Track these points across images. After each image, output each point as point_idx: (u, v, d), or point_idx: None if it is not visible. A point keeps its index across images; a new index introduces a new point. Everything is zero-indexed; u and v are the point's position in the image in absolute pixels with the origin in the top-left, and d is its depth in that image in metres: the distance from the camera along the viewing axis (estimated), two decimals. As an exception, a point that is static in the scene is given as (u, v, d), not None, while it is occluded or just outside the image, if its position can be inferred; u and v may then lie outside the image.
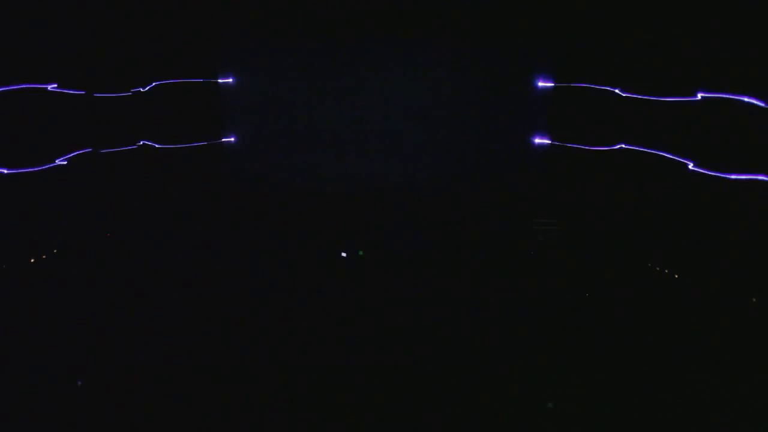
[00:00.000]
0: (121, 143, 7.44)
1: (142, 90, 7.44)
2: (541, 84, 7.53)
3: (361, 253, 6.59)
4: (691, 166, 6.70)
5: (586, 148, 7.38)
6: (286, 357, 4.08)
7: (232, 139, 7.85)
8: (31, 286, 5.51)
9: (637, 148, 7.20)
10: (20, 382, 3.71)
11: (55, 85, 6.69)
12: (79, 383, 4.27)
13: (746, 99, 5.97)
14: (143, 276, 5.79)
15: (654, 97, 7.02)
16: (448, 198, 7.69)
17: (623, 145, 7.24)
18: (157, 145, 7.60)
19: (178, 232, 7.21)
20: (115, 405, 3.50)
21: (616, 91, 7.19)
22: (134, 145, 7.51)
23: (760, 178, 6.07)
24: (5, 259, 6.06)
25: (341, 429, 3.41)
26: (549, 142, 7.61)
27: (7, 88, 6.54)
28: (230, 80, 7.74)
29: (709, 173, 6.66)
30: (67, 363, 3.92)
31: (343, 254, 6.91)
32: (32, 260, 6.36)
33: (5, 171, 5.97)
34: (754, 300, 5.19)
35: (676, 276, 6.11)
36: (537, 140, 7.66)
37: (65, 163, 6.98)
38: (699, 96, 6.46)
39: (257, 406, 3.54)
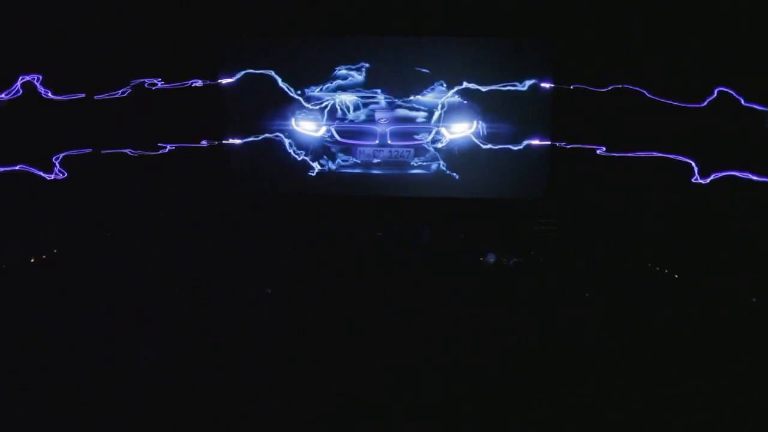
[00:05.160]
0: (122, 144, 7.45)
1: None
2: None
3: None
4: (692, 164, 6.71)
5: (587, 148, 7.38)
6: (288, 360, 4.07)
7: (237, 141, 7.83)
8: (31, 286, 5.50)
9: (636, 148, 7.21)
10: (20, 383, 3.71)
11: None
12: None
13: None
14: (144, 276, 5.79)
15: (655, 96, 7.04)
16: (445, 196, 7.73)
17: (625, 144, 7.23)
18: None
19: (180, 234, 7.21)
20: (115, 406, 3.50)
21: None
22: (135, 143, 7.50)
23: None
24: (5, 260, 6.07)
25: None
26: (549, 143, 7.60)
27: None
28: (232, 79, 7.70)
29: (710, 173, 6.68)
30: (66, 364, 3.91)
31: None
32: (32, 260, 6.36)
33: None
34: (754, 300, 5.20)
35: (676, 276, 6.11)
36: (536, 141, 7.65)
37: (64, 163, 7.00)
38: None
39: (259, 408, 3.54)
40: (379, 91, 7.70)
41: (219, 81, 7.66)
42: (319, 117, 7.77)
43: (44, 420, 3.37)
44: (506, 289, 5.53)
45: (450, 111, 7.70)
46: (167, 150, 7.52)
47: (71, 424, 3.36)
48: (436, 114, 7.70)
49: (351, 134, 7.79)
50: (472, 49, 7.62)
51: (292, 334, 4.46)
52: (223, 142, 7.79)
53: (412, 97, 7.70)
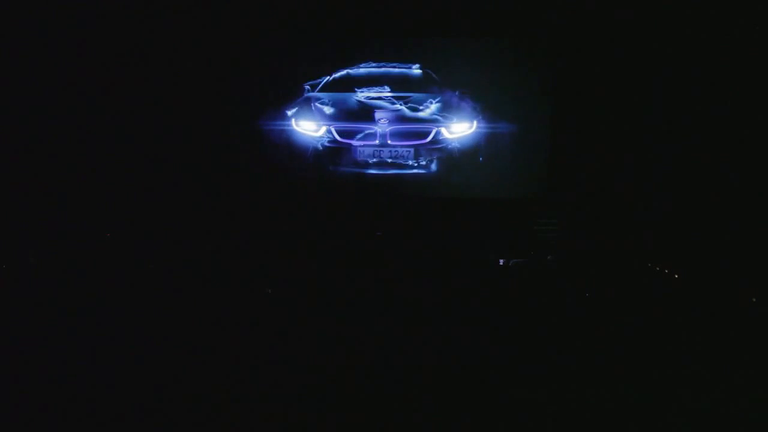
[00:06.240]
0: (124, 139, 7.45)
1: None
2: None
3: None
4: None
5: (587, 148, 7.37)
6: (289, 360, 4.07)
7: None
8: (31, 286, 5.50)
9: (636, 147, 7.21)
10: (20, 383, 3.72)
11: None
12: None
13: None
14: (144, 276, 5.79)
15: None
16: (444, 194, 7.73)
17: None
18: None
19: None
20: (115, 407, 3.50)
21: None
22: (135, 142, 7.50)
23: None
24: (5, 260, 6.07)
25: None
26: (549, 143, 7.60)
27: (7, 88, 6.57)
28: None
29: (709, 172, 6.67)
30: (67, 364, 3.92)
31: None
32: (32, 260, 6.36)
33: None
34: (754, 300, 5.19)
35: (676, 276, 6.11)
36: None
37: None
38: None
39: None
40: (379, 91, 7.70)
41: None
42: (319, 117, 7.77)
43: (44, 420, 3.38)
44: (506, 289, 5.53)
45: (450, 111, 7.70)
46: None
47: (71, 424, 3.36)
48: (436, 114, 7.70)
49: (351, 134, 7.78)
50: (473, 49, 7.62)
51: (292, 335, 4.46)
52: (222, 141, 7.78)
53: (412, 97, 7.70)
